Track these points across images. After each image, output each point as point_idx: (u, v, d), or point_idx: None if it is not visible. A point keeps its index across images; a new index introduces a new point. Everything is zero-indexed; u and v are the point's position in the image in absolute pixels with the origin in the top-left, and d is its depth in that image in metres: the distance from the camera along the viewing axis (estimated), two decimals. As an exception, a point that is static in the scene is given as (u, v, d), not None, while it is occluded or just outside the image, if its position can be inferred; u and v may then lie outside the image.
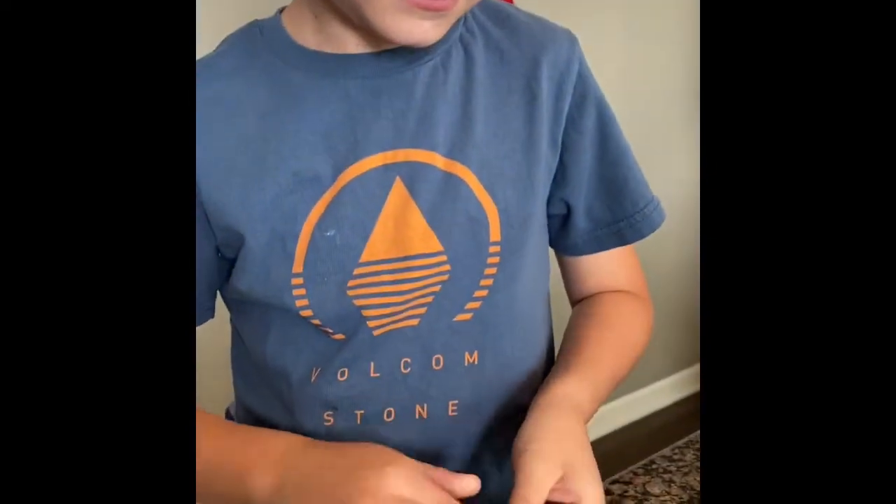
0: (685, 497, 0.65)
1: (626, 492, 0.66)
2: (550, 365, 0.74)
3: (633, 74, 1.92)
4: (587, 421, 0.61)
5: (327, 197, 0.60)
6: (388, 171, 0.61)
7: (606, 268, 0.73)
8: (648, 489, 0.66)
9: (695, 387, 2.27)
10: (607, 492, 0.61)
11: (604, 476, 0.64)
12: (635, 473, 0.63)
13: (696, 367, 2.28)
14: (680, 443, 0.73)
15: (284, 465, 0.56)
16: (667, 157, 2.02)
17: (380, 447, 0.56)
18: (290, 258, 0.60)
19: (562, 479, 0.54)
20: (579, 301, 0.75)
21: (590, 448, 0.57)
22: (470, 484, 0.53)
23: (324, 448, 0.57)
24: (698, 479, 0.68)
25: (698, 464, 0.70)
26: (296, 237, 0.60)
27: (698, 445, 0.72)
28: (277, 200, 0.60)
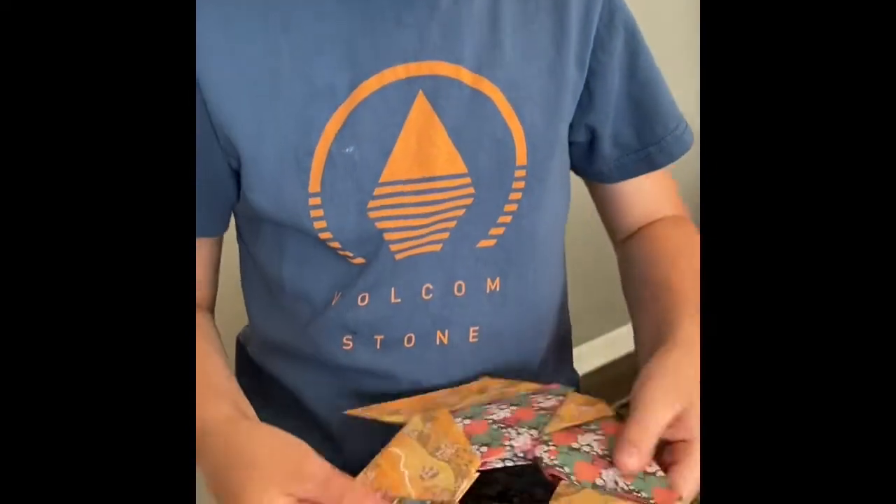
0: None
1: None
2: (565, 293, 0.73)
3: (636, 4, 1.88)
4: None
5: (344, 110, 0.58)
6: (411, 84, 0.58)
7: (650, 196, 0.71)
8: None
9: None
10: (617, 416, 0.62)
11: (614, 399, 0.64)
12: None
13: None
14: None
15: (201, 438, 0.53)
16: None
17: (285, 462, 0.49)
18: (305, 176, 0.58)
19: (679, 416, 0.52)
20: (627, 236, 0.73)
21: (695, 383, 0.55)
22: None
23: (225, 442, 0.52)
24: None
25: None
26: (311, 153, 0.58)
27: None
28: (290, 112, 0.57)
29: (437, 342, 0.64)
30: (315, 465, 0.49)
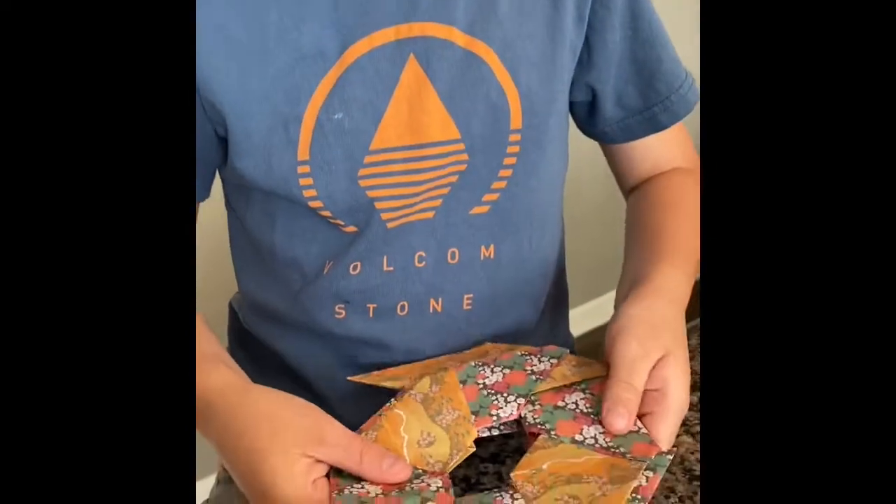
0: (689, 381, 0.67)
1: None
2: (563, 256, 0.73)
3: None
4: (681, 293, 0.59)
5: (333, 75, 0.56)
6: (402, 46, 0.56)
7: (659, 148, 0.70)
8: (653, 374, 0.67)
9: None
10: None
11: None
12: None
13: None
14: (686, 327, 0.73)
15: (205, 406, 0.52)
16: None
17: (299, 429, 0.49)
18: (293, 144, 0.57)
19: (654, 366, 0.52)
20: (634, 187, 0.72)
21: (685, 340, 0.56)
22: (397, 473, 0.49)
23: (236, 408, 0.52)
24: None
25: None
26: (299, 120, 0.56)
27: (704, 331, 0.73)
28: (279, 78, 0.56)
29: (431, 310, 0.64)
30: (336, 431, 0.49)
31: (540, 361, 0.57)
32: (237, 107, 0.56)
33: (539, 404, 0.53)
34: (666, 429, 0.51)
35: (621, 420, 0.50)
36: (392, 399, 0.54)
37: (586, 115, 0.69)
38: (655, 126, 0.68)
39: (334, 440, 0.49)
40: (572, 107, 0.68)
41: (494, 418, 0.53)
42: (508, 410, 0.53)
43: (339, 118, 0.57)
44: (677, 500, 0.54)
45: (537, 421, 0.52)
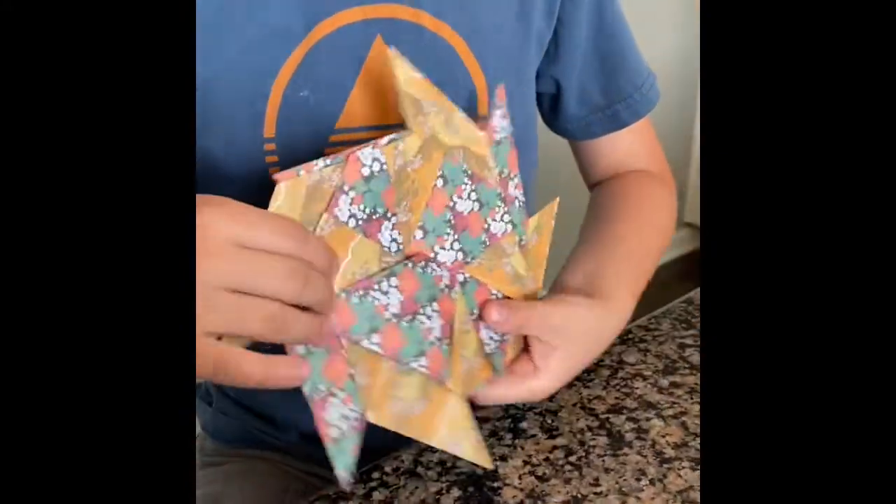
0: (660, 366, 0.66)
1: (601, 361, 0.67)
2: None
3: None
4: (626, 317, 0.60)
5: (298, 53, 0.55)
6: (368, 27, 0.56)
7: (623, 145, 0.70)
8: (624, 358, 0.67)
9: (668, 256, 2.31)
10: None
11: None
12: (611, 343, 0.64)
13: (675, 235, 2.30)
14: (656, 312, 0.73)
15: None
16: (655, 29, 1.96)
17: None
18: (259, 120, 0.56)
19: (543, 344, 0.54)
20: (597, 183, 0.73)
21: (593, 343, 0.58)
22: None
23: None
24: (673, 347, 0.69)
25: (674, 333, 0.71)
26: (265, 97, 0.55)
27: (674, 315, 0.73)
28: (244, 55, 0.55)
29: None
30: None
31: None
32: (202, 82, 0.55)
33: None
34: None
35: (497, 315, 0.52)
36: None
37: (549, 108, 0.69)
38: (617, 123, 0.69)
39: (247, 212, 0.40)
40: (538, 99, 0.68)
41: (433, 254, 0.50)
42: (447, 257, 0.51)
43: (304, 95, 0.56)
44: (648, 482, 0.54)
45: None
